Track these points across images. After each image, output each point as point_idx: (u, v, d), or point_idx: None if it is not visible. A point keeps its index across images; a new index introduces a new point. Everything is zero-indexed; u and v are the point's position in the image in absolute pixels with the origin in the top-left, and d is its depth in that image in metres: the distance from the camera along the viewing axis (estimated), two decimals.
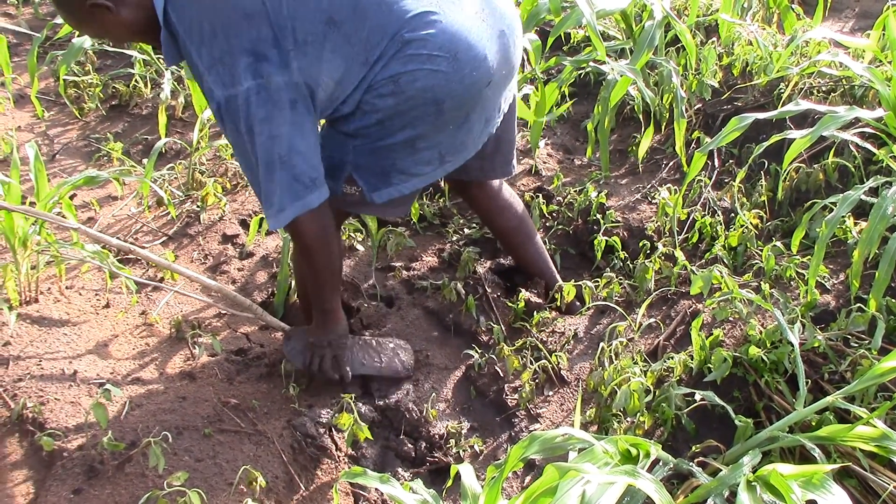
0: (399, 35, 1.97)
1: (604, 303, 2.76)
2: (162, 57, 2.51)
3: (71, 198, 3.14)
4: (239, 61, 1.89)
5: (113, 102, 4.09)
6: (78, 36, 3.65)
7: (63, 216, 2.64)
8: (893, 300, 2.37)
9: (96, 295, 2.69)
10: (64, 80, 3.82)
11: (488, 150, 2.43)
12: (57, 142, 3.76)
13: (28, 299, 2.55)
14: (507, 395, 2.51)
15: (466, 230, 3.20)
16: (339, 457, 2.22)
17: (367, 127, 2.09)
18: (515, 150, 2.66)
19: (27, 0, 5.16)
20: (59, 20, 3.67)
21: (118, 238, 3.05)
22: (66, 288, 2.68)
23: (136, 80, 4.09)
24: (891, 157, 2.67)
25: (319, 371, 2.34)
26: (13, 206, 2.30)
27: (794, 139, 2.54)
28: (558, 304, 2.81)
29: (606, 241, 2.99)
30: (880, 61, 3.28)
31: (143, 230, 3.15)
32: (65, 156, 3.65)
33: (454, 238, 3.15)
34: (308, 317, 2.48)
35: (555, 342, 2.69)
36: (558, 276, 2.88)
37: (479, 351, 2.59)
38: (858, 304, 2.36)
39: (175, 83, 3.90)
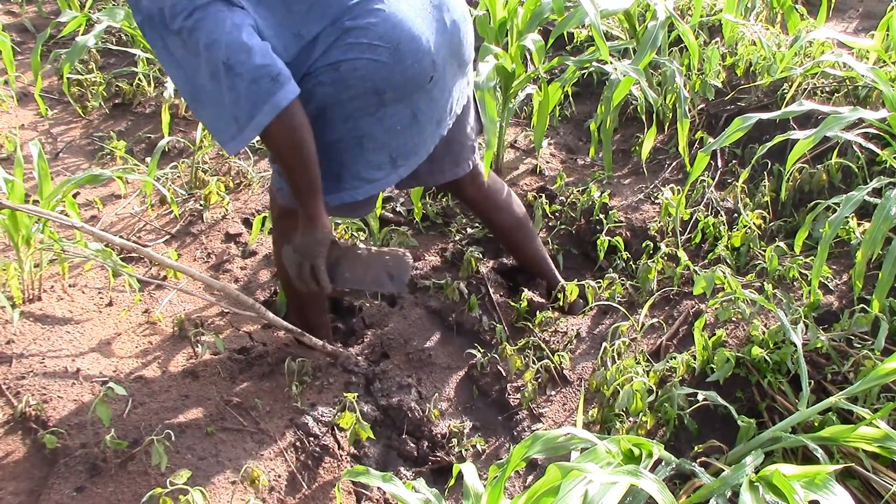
0: (340, 22, 1.95)
1: (606, 303, 2.76)
2: None
3: (74, 196, 3.14)
4: None
5: (116, 101, 4.10)
6: (82, 34, 3.66)
7: (66, 214, 2.64)
8: None
9: (99, 293, 2.70)
10: (67, 78, 3.82)
11: (437, 152, 2.36)
12: (60, 140, 3.76)
13: (31, 297, 2.55)
14: (509, 394, 2.51)
15: (469, 229, 3.20)
16: (341, 456, 2.22)
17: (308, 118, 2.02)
18: (471, 150, 2.57)
19: None
20: (62, 18, 3.67)
21: (121, 237, 3.06)
22: (70, 286, 2.68)
23: (139, 79, 4.10)
24: (894, 157, 2.67)
25: (298, 279, 2.22)
26: (17, 204, 2.31)
27: (798, 140, 2.54)
28: (561, 303, 2.81)
29: (609, 241, 2.99)
30: (884, 62, 3.28)
31: (146, 229, 3.15)
32: (68, 154, 3.65)
33: (457, 237, 3.15)
34: (300, 321, 2.49)
35: (557, 342, 2.69)
36: (560, 277, 2.88)
37: (482, 350, 2.59)
38: (861, 305, 2.36)
39: None
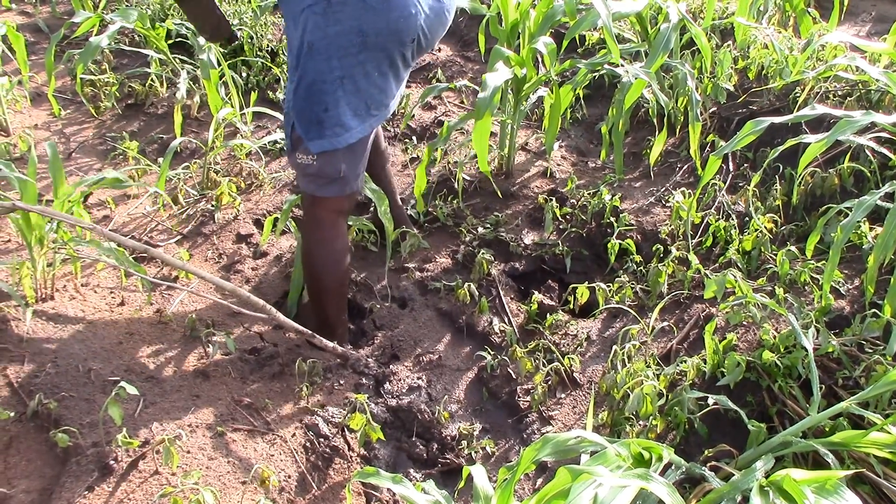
0: None
1: (617, 306, 2.76)
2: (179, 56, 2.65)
3: (86, 197, 3.16)
4: None
5: (129, 101, 4.11)
6: (96, 35, 3.67)
7: (81, 214, 2.65)
8: None
9: (111, 293, 2.71)
10: (81, 78, 3.84)
11: None
12: (73, 140, 3.78)
13: (44, 296, 2.56)
14: (519, 396, 2.51)
15: (480, 229, 3.20)
16: (351, 457, 2.22)
17: (299, 50, 2.27)
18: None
19: None
20: (76, 19, 3.69)
21: (133, 237, 3.07)
22: (82, 285, 2.69)
23: (152, 80, 4.11)
24: None
25: None
26: (30, 206, 2.32)
27: (810, 143, 2.53)
28: (572, 306, 2.81)
29: (620, 244, 2.99)
30: None
31: (158, 229, 3.16)
32: (81, 154, 3.67)
33: (467, 238, 3.15)
34: (319, 318, 2.56)
35: (567, 345, 2.69)
36: (399, 203, 3.14)
37: (492, 353, 2.59)
38: (873, 310, 2.35)
39: (191, 82, 3.92)
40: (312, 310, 2.66)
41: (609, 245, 2.99)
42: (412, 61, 2.44)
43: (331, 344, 2.48)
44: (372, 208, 3.13)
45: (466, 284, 2.78)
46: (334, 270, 2.56)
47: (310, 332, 2.44)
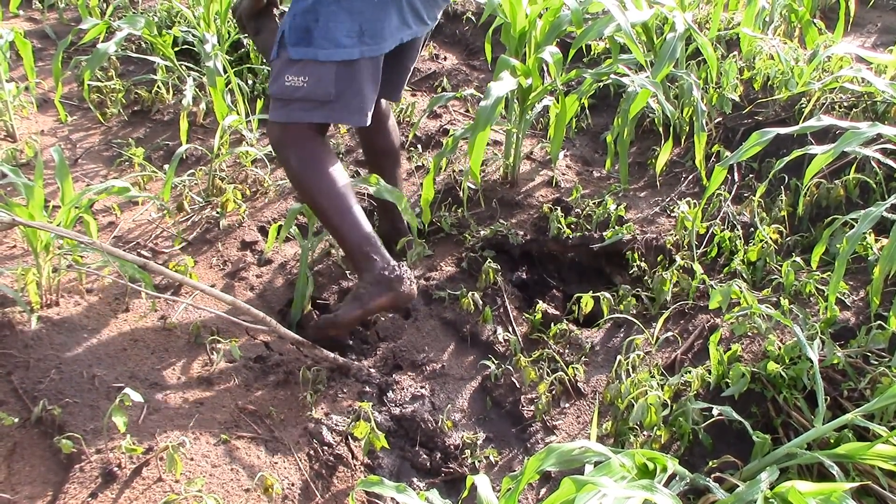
0: None
1: (621, 316, 2.76)
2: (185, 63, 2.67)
3: (92, 203, 3.16)
4: None
5: (135, 108, 4.13)
6: (102, 42, 3.68)
7: (87, 221, 2.66)
8: None
9: (116, 299, 2.71)
10: (87, 85, 3.85)
11: (386, 71, 2.57)
12: (79, 146, 3.79)
13: (49, 302, 2.57)
14: (523, 406, 2.51)
15: (483, 231, 3.19)
16: (355, 465, 2.22)
17: None
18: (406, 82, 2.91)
19: (52, 5, 5.21)
20: (83, 26, 3.70)
21: (138, 243, 3.08)
22: (87, 292, 2.70)
23: (158, 86, 4.12)
24: None
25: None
26: (28, 221, 2.31)
27: (816, 154, 2.53)
28: (576, 315, 2.81)
29: (627, 252, 2.99)
30: None
31: (163, 235, 3.17)
32: (87, 160, 3.68)
33: (471, 243, 3.15)
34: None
35: (572, 354, 2.69)
36: (406, 229, 3.07)
37: (496, 362, 2.59)
38: (879, 322, 2.35)
39: (197, 90, 3.93)
40: (343, 245, 2.50)
41: (626, 254, 3.00)
42: (421, 11, 2.48)
43: (331, 354, 2.49)
44: (375, 219, 3.13)
45: (470, 293, 2.78)
46: (337, 179, 2.45)
47: (310, 343, 2.45)
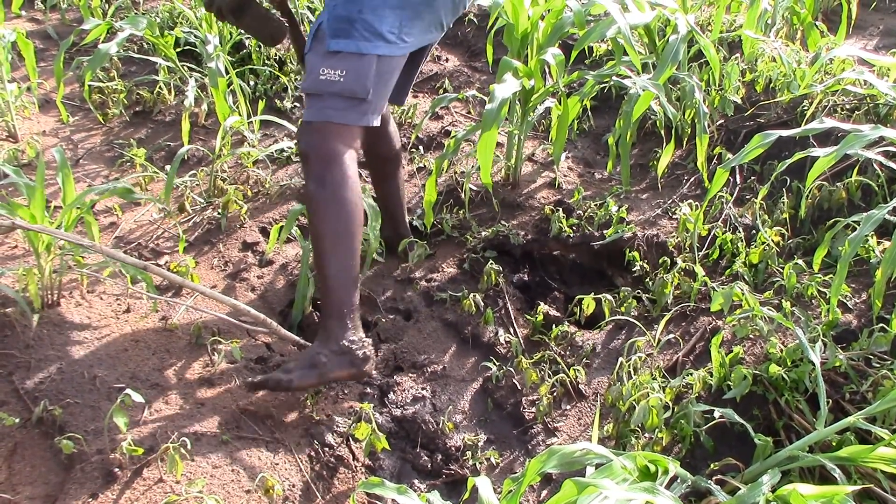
0: None
1: (623, 317, 2.76)
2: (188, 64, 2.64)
3: (94, 204, 3.17)
4: None
5: (137, 108, 4.13)
6: (104, 42, 3.68)
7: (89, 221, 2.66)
8: None
9: (117, 299, 2.71)
10: (89, 85, 3.85)
11: (407, 76, 2.63)
12: (81, 147, 3.79)
13: (50, 303, 2.57)
14: (524, 408, 2.50)
15: (484, 232, 3.19)
16: (356, 466, 2.22)
17: None
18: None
19: (54, 6, 5.21)
20: (85, 26, 3.70)
21: (139, 244, 3.08)
22: (88, 292, 2.70)
23: (160, 87, 4.12)
24: None
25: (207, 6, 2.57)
26: (29, 224, 2.31)
27: (818, 157, 2.53)
28: (578, 317, 2.80)
29: (629, 253, 2.99)
30: None
31: (165, 236, 3.17)
32: (88, 161, 3.68)
33: (472, 244, 3.15)
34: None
35: (573, 356, 2.69)
36: (407, 222, 3.10)
37: (497, 363, 2.59)
38: (881, 325, 2.35)
39: (199, 90, 3.93)
40: (326, 288, 2.33)
41: (627, 254, 3.00)
42: (443, 17, 2.43)
43: None
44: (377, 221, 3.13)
45: (472, 295, 2.78)
46: (354, 220, 2.30)
47: (310, 345, 2.44)
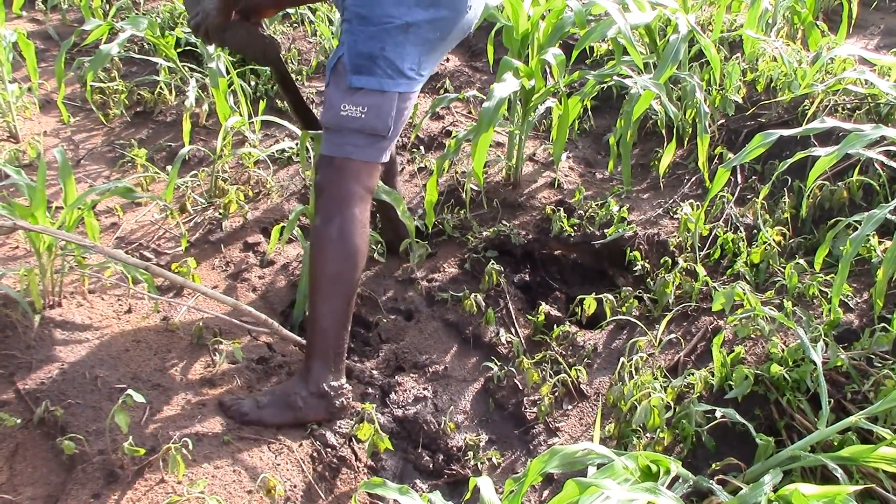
0: None
1: (624, 317, 2.75)
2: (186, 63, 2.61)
3: (94, 204, 3.17)
4: None
5: (138, 109, 4.13)
6: (105, 43, 3.68)
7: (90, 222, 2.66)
8: None
9: (119, 300, 2.71)
10: (90, 86, 3.85)
11: None
12: (82, 147, 3.79)
13: (51, 303, 2.57)
14: (525, 408, 2.50)
15: (485, 233, 3.19)
16: (358, 467, 2.22)
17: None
18: None
19: (55, 6, 5.21)
20: (86, 27, 3.70)
21: (140, 244, 3.08)
22: (89, 292, 2.70)
23: (160, 88, 4.12)
24: None
25: (192, 28, 2.51)
26: (30, 225, 2.31)
27: (819, 156, 2.52)
28: (579, 317, 2.80)
29: (627, 255, 2.98)
30: None
31: (166, 236, 3.17)
32: (89, 161, 3.68)
33: (473, 244, 3.15)
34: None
35: (574, 356, 2.69)
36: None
37: (499, 364, 2.59)
38: (882, 324, 2.35)
39: (199, 91, 3.93)
40: (315, 328, 2.30)
41: (628, 253, 3.00)
42: (451, 47, 2.43)
43: None
44: (378, 222, 3.13)
45: (473, 295, 2.78)
46: (355, 266, 2.28)
47: None
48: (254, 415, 2.22)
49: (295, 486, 2.07)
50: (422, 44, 2.24)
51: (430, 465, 2.30)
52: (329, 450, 2.20)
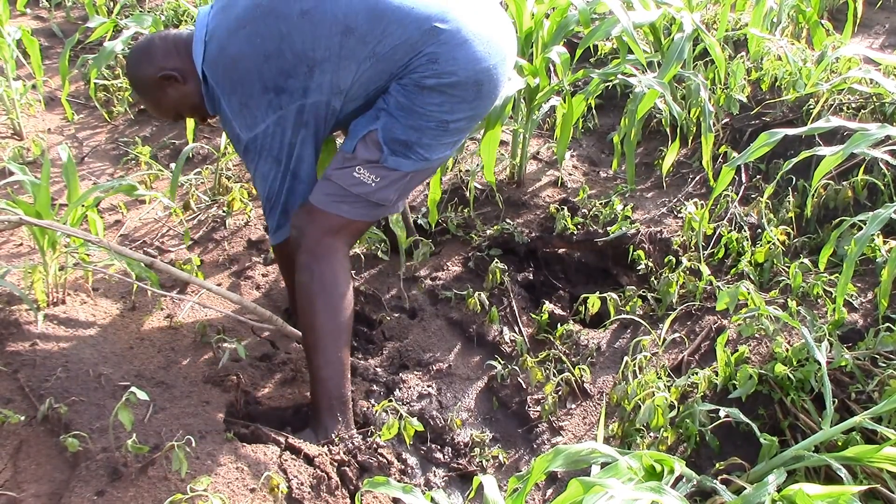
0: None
1: (628, 316, 2.75)
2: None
3: (99, 202, 3.17)
4: (261, 101, 2.14)
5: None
6: (110, 40, 3.68)
7: (93, 219, 2.66)
8: None
9: (123, 297, 2.71)
10: (94, 83, 3.86)
11: None
12: (86, 144, 3.79)
13: (55, 300, 2.57)
14: (529, 406, 2.50)
15: (489, 231, 3.19)
16: (384, 463, 2.21)
17: (414, 100, 2.22)
18: None
19: (59, 4, 5.22)
20: (90, 24, 3.70)
21: (144, 242, 3.08)
22: (93, 290, 2.70)
23: None
24: None
25: None
26: (35, 220, 2.31)
27: (824, 156, 2.52)
28: (583, 316, 2.80)
29: (631, 254, 2.98)
30: None
31: (170, 234, 3.17)
32: (93, 158, 3.68)
33: (477, 243, 3.14)
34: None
35: (578, 355, 2.68)
36: (410, 221, 3.10)
37: (502, 362, 2.58)
38: (887, 324, 2.34)
39: None
40: (315, 379, 2.29)
41: (632, 251, 2.99)
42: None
43: None
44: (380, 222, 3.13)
45: (477, 294, 2.77)
46: (344, 312, 2.29)
47: None
48: None
49: (302, 484, 2.06)
50: (455, 135, 2.33)
51: (440, 459, 2.30)
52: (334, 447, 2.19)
